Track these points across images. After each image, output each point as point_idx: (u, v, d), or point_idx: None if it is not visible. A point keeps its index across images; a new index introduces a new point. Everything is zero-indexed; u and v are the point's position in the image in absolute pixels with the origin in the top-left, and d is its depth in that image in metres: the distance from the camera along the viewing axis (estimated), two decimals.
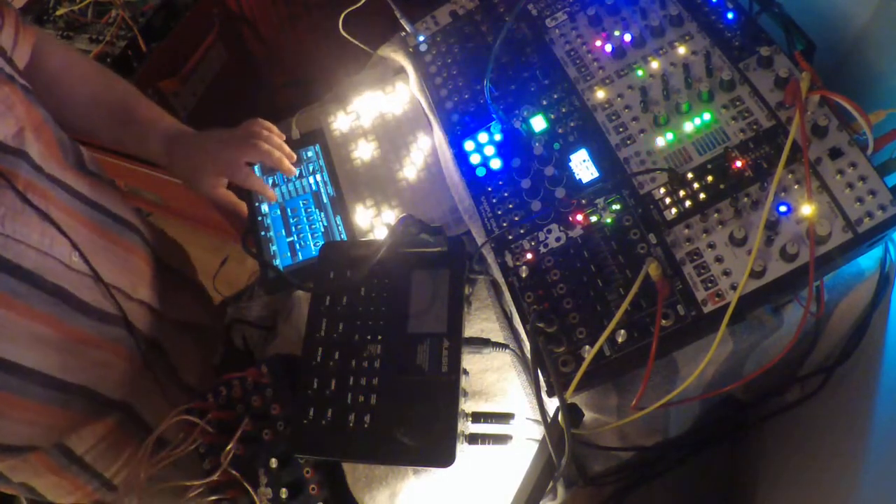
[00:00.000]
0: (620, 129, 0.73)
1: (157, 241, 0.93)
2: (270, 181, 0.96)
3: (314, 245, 0.89)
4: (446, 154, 0.84)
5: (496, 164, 0.78)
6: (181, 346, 0.92)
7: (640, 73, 0.75)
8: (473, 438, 0.71)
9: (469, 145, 0.81)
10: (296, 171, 0.94)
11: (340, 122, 0.99)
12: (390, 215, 0.90)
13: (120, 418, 0.83)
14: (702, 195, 0.66)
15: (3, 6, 0.79)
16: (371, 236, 0.89)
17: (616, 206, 0.69)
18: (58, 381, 0.75)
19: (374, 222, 0.90)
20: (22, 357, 0.70)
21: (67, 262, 0.74)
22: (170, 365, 0.90)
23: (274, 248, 0.91)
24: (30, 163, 0.72)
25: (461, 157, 0.81)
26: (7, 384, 0.70)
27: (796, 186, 0.63)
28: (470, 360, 0.76)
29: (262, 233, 0.92)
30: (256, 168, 0.98)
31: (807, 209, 0.60)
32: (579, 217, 0.70)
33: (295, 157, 0.95)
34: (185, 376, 0.93)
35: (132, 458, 0.78)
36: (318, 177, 0.95)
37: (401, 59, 0.97)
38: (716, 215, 0.65)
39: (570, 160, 0.74)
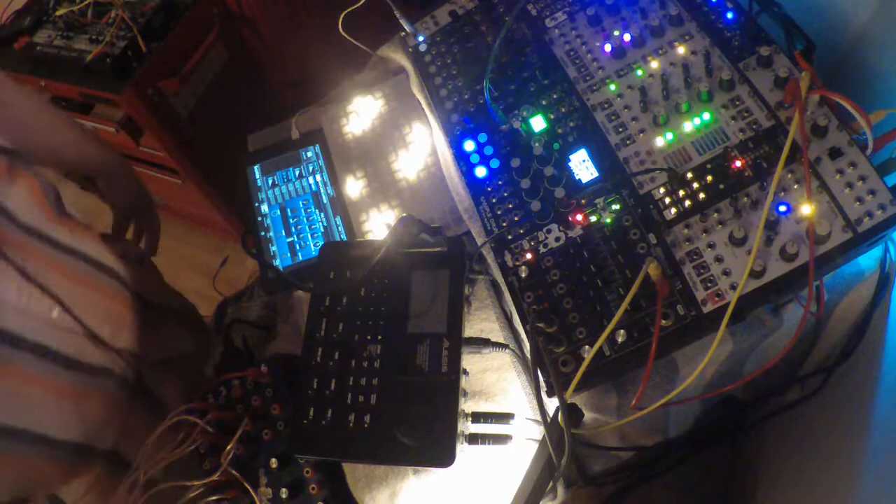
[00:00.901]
0: (620, 129, 0.73)
1: (136, 279, 0.91)
2: (270, 181, 0.96)
3: (314, 245, 0.89)
4: (446, 154, 0.84)
5: (496, 164, 0.78)
6: (167, 381, 0.91)
7: (639, 72, 0.75)
8: (473, 438, 0.71)
9: (469, 145, 0.81)
10: None
11: (338, 116, 0.99)
12: (390, 215, 0.90)
13: (109, 465, 0.82)
14: (701, 195, 0.66)
15: None
16: (370, 235, 0.89)
17: (616, 206, 0.69)
18: (46, 439, 0.73)
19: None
20: (8, 418, 0.69)
21: (48, 318, 0.72)
22: (156, 402, 0.89)
23: (274, 248, 0.91)
24: (6, 215, 0.70)
25: (461, 157, 0.81)
26: None
27: (796, 186, 0.63)
28: (470, 360, 0.76)
29: (262, 233, 0.92)
30: (256, 168, 0.98)
31: (806, 209, 0.60)
32: (579, 217, 0.70)
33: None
34: (173, 408, 0.92)
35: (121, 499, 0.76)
36: (318, 177, 0.95)
37: (400, 59, 0.97)
38: (715, 215, 0.65)
39: (569, 160, 0.74)
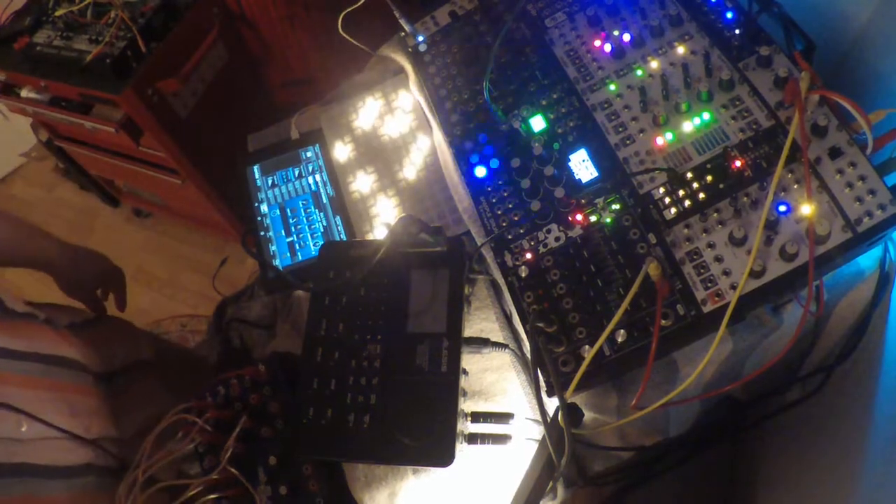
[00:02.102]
0: (620, 129, 0.73)
1: (92, 353, 0.89)
2: (270, 181, 0.96)
3: (314, 245, 0.89)
4: (446, 154, 0.84)
5: (496, 164, 0.78)
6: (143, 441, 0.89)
7: (639, 72, 0.75)
8: (473, 438, 0.71)
9: (469, 145, 0.81)
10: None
11: (338, 116, 0.99)
12: (390, 215, 0.90)
13: None
14: (701, 195, 0.66)
15: None
16: (370, 235, 0.89)
17: (615, 206, 0.69)
18: None
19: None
20: None
21: (17, 435, 0.70)
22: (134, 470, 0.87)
23: (274, 248, 0.91)
24: None
25: (461, 157, 0.81)
26: None
27: (796, 186, 0.63)
28: (469, 360, 0.76)
29: (262, 233, 0.92)
30: (256, 168, 0.98)
31: (806, 209, 0.60)
32: (579, 217, 0.70)
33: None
34: (163, 471, 0.90)
35: None
36: (318, 177, 0.95)
37: (400, 59, 0.97)
38: (715, 215, 0.65)
39: (569, 160, 0.74)
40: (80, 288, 0.97)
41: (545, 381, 0.64)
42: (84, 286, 0.97)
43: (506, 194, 0.76)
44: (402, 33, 0.94)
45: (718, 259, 0.63)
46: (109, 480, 0.81)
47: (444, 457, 0.65)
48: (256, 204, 0.95)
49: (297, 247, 0.90)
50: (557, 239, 0.71)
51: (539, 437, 0.68)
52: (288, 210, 0.93)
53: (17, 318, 0.82)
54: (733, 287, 0.61)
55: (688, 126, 0.70)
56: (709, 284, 0.63)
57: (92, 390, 0.86)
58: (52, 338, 0.85)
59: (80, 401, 0.83)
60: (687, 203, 0.66)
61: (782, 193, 0.63)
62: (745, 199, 0.64)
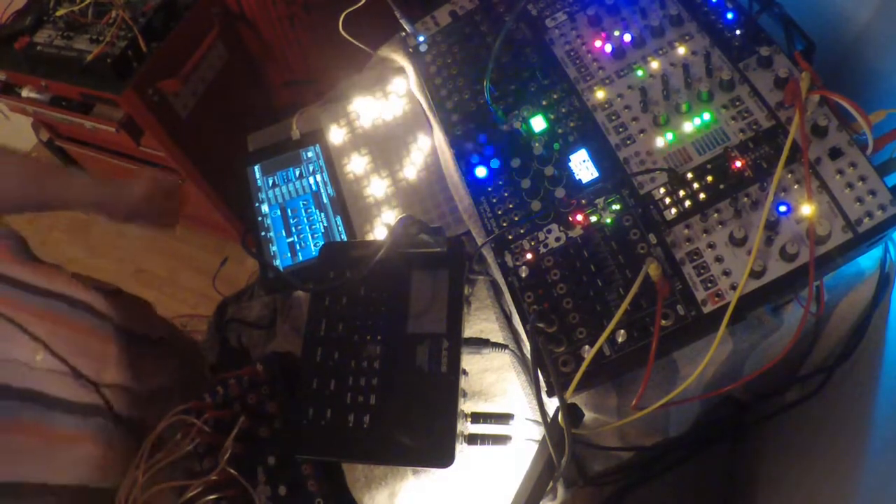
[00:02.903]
0: (620, 129, 0.73)
1: (116, 310, 0.90)
2: (270, 181, 0.96)
3: (314, 245, 0.89)
4: (446, 154, 0.84)
5: (496, 164, 0.78)
6: (158, 413, 0.89)
7: (639, 73, 0.75)
8: (473, 439, 0.71)
9: (469, 145, 0.81)
10: None
11: (338, 116, 0.99)
12: (390, 215, 0.90)
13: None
14: (702, 195, 0.66)
15: None
16: (370, 235, 0.89)
17: (616, 206, 0.69)
18: (47, 488, 0.72)
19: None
20: (5, 473, 0.68)
21: (32, 362, 0.71)
22: (147, 433, 0.88)
23: (274, 248, 0.91)
24: None
25: (461, 157, 0.81)
26: None
27: (796, 186, 0.63)
28: (469, 361, 0.76)
29: (262, 233, 0.92)
30: (256, 168, 0.98)
31: (807, 209, 0.60)
32: (579, 217, 0.70)
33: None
34: (170, 440, 0.90)
35: None
36: (318, 177, 0.95)
37: (401, 59, 0.97)
38: (715, 215, 0.65)
39: (569, 160, 0.74)
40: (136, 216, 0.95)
41: (545, 382, 0.64)
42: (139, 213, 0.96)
43: (506, 194, 0.76)
44: (403, 33, 0.94)
45: (719, 259, 0.63)
46: (120, 430, 0.81)
47: (444, 457, 0.65)
48: (257, 204, 0.95)
49: (298, 247, 0.90)
50: (558, 239, 0.71)
51: (539, 437, 0.68)
52: (288, 210, 0.93)
53: (42, 263, 0.84)
54: (733, 287, 0.61)
55: (688, 126, 0.70)
56: (709, 285, 0.62)
57: (111, 339, 0.87)
58: (76, 286, 0.86)
59: (99, 347, 0.84)
60: (687, 203, 0.66)
61: (782, 194, 0.63)
62: (745, 199, 0.64)
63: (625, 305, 0.62)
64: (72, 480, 0.75)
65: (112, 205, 0.92)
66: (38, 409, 0.71)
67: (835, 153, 0.62)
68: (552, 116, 0.78)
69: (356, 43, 1.02)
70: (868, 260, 0.69)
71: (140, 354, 0.91)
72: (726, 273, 0.62)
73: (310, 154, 0.98)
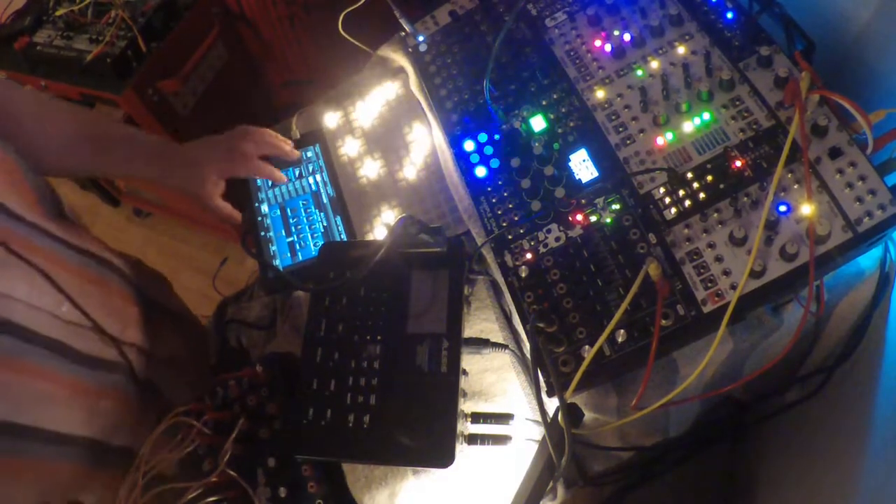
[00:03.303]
0: (620, 129, 0.73)
1: (138, 277, 0.91)
2: (270, 182, 0.96)
3: (314, 245, 0.89)
4: (446, 154, 0.84)
5: (496, 164, 0.78)
6: (173, 381, 0.90)
7: (639, 72, 0.75)
8: (473, 439, 0.71)
9: (469, 145, 0.81)
10: (299, 154, 0.96)
11: (338, 116, 0.99)
12: (390, 215, 0.90)
13: (124, 463, 0.81)
14: (701, 195, 0.66)
15: None
16: (370, 235, 0.89)
17: (616, 206, 0.69)
18: (63, 437, 0.73)
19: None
20: (26, 417, 0.68)
21: (58, 312, 0.72)
22: (165, 403, 0.88)
23: (274, 248, 0.91)
24: (7, 213, 0.69)
25: (461, 157, 0.81)
26: (14, 448, 0.68)
27: (796, 186, 0.63)
28: (469, 361, 0.76)
29: (262, 233, 0.92)
30: None
31: (806, 209, 0.60)
32: (579, 217, 0.70)
33: (292, 144, 0.96)
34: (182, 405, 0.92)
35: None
36: (318, 177, 0.95)
37: (400, 59, 0.97)
38: (715, 215, 0.65)
39: (569, 160, 0.74)
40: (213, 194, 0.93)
41: (545, 381, 0.64)
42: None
43: (506, 194, 0.76)
44: (403, 33, 0.94)
45: (718, 259, 0.63)
46: (136, 390, 0.82)
47: (444, 457, 0.65)
48: (256, 204, 0.95)
49: (298, 247, 0.90)
50: (558, 239, 0.71)
51: (539, 437, 0.68)
52: (288, 210, 0.93)
53: (76, 224, 0.84)
54: (733, 287, 0.61)
55: (688, 126, 0.70)
56: (709, 284, 0.62)
57: (134, 301, 0.88)
58: (104, 247, 0.87)
59: (123, 306, 0.85)
60: (687, 203, 0.66)
61: (782, 193, 0.63)
62: (745, 199, 0.64)
63: (625, 305, 0.62)
64: (86, 433, 0.76)
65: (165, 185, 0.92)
66: (61, 360, 0.72)
67: (835, 153, 0.62)
68: (552, 116, 0.78)
69: (356, 43, 1.02)
70: (868, 260, 0.69)
71: (159, 321, 0.92)
72: (726, 273, 0.62)
73: (309, 154, 0.98)
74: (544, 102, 0.79)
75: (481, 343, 0.75)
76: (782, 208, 0.62)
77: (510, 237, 0.73)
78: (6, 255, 0.67)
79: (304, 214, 0.92)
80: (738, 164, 0.66)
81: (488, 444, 0.70)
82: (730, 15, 0.73)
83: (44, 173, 0.82)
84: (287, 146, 0.95)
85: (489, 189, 0.77)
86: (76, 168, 0.92)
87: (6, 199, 0.70)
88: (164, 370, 0.89)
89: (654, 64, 0.74)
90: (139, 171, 0.91)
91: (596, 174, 0.72)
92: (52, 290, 0.72)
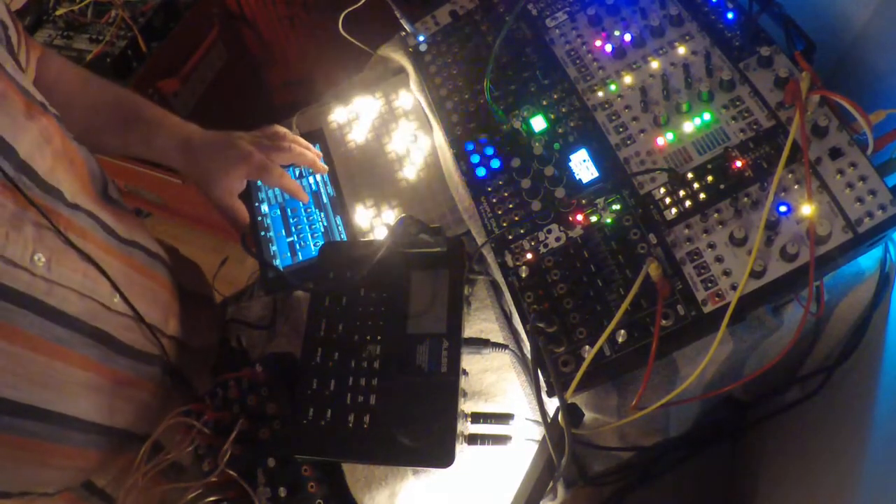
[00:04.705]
0: (620, 129, 0.73)
1: (177, 266, 0.91)
2: None
3: (314, 245, 0.89)
4: (446, 154, 0.84)
5: (496, 164, 0.78)
6: (201, 370, 0.91)
7: (640, 73, 0.75)
8: (473, 439, 0.71)
9: (469, 145, 0.81)
10: (326, 169, 0.94)
11: (338, 116, 0.99)
12: (390, 215, 0.90)
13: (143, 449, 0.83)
14: (702, 195, 0.66)
15: (16, 22, 0.76)
16: (371, 235, 0.89)
17: (616, 206, 0.69)
18: (98, 426, 0.73)
19: (372, 210, 0.90)
20: (65, 406, 0.69)
21: (109, 303, 0.72)
22: (192, 389, 0.89)
23: (274, 248, 0.91)
24: (64, 200, 0.69)
25: (461, 157, 0.81)
26: (51, 434, 0.68)
27: (796, 186, 0.63)
28: (469, 361, 0.76)
29: (262, 233, 0.92)
30: None
31: (807, 209, 0.60)
32: (579, 217, 0.70)
33: (321, 155, 0.95)
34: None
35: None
36: (318, 177, 0.95)
37: (401, 59, 0.97)
38: (716, 215, 0.65)
39: (570, 160, 0.74)
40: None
41: (545, 382, 0.64)
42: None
43: (506, 194, 0.76)
44: (403, 33, 0.93)
45: (719, 259, 0.63)
46: (168, 379, 0.83)
47: (444, 457, 0.65)
48: (257, 204, 0.95)
49: (298, 247, 0.90)
50: (558, 239, 0.71)
51: (539, 437, 0.68)
52: (288, 210, 0.93)
53: (123, 208, 0.83)
54: (734, 287, 0.61)
55: (688, 126, 0.70)
56: (709, 285, 0.62)
57: (174, 291, 0.88)
58: (148, 235, 0.87)
59: (165, 297, 0.85)
60: (687, 203, 0.66)
61: (783, 194, 0.63)
62: (745, 199, 0.64)
63: (625, 305, 0.62)
64: (119, 424, 0.76)
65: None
66: (106, 351, 0.72)
67: (835, 153, 0.62)
68: (552, 116, 0.78)
69: (356, 43, 1.02)
70: (868, 260, 0.69)
71: (195, 312, 0.92)
72: (726, 273, 0.62)
73: None
74: (544, 102, 0.79)
75: (481, 343, 0.75)
76: (783, 209, 0.62)
77: (510, 237, 0.73)
78: (66, 246, 0.67)
79: (304, 214, 0.92)
80: (739, 164, 0.66)
81: (488, 444, 0.70)
82: (730, 15, 0.73)
83: None
84: (318, 160, 0.92)
85: (489, 189, 0.77)
86: (96, 140, 0.88)
87: (64, 186, 0.69)
88: (196, 360, 0.90)
89: (655, 64, 0.74)
90: (158, 153, 0.88)
91: (596, 174, 0.72)
92: (104, 282, 0.72)
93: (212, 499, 0.72)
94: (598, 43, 0.79)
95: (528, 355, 0.68)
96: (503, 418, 0.72)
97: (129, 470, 0.75)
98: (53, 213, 0.66)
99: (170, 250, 0.93)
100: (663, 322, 0.62)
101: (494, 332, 0.79)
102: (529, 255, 0.71)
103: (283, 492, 0.72)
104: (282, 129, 0.92)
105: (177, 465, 0.76)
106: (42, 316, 0.64)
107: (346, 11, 0.97)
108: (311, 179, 0.95)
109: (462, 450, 0.68)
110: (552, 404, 0.65)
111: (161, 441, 0.74)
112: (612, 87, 0.75)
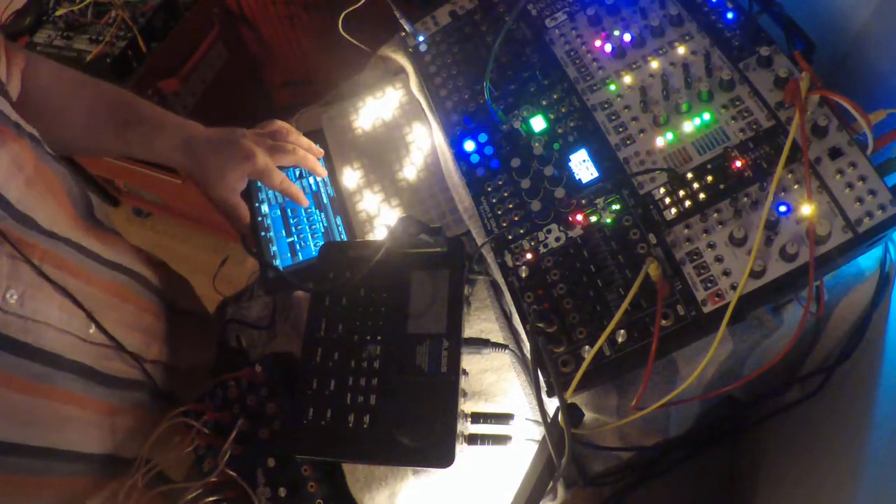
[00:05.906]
0: (620, 129, 0.73)
1: (163, 283, 0.90)
2: None
3: (314, 245, 0.89)
4: (446, 154, 0.84)
5: (496, 164, 0.78)
6: (192, 387, 0.89)
7: (640, 72, 0.75)
8: (473, 439, 0.71)
9: (469, 145, 0.81)
10: (325, 173, 0.93)
11: (338, 116, 0.99)
12: (390, 215, 0.90)
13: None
14: (701, 195, 0.66)
15: None
16: (370, 235, 0.89)
17: (616, 206, 0.69)
18: (86, 456, 0.73)
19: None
20: (50, 440, 0.68)
21: (85, 335, 0.71)
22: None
23: (274, 248, 0.91)
24: (39, 228, 0.67)
25: (461, 157, 0.81)
26: (38, 469, 0.68)
27: (796, 186, 0.63)
28: (469, 361, 0.76)
29: (262, 233, 0.92)
30: None
31: (807, 209, 0.60)
32: (579, 217, 0.70)
33: (323, 153, 0.94)
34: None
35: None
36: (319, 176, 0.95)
37: (401, 59, 0.97)
38: (716, 215, 0.65)
39: (569, 160, 0.74)
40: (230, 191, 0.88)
41: (545, 382, 0.64)
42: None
43: (506, 194, 0.76)
44: (403, 33, 0.93)
45: (719, 259, 0.63)
46: (156, 403, 0.82)
47: (444, 458, 0.65)
48: (257, 204, 0.95)
49: (298, 247, 0.90)
50: (558, 239, 0.71)
51: (539, 437, 0.68)
52: (288, 210, 0.93)
53: (106, 229, 0.82)
54: (733, 287, 0.61)
55: (688, 126, 0.70)
56: (709, 285, 0.62)
57: (160, 314, 0.86)
58: (133, 254, 0.85)
59: (150, 322, 0.84)
60: (687, 203, 0.66)
61: (782, 194, 0.63)
62: (745, 199, 0.64)
63: (625, 305, 0.62)
64: (102, 450, 0.75)
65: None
66: (87, 383, 0.72)
67: (835, 153, 0.62)
68: (552, 116, 0.78)
69: (356, 43, 1.02)
70: (868, 260, 0.69)
71: (183, 330, 0.91)
72: (726, 273, 0.62)
73: None
74: (544, 102, 0.79)
75: (481, 343, 0.75)
76: (782, 208, 0.62)
77: (510, 237, 0.73)
78: (41, 280, 0.66)
79: (304, 215, 0.92)
80: (739, 164, 0.66)
81: (488, 444, 0.71)
82: (730, 15, 0.73)
83: (66, 153, 0.79)
84: (318, 164, 0.91)
85: (489, 189, 0.77)
86: (96, 145, 0.88)
87: (38, 213, 0.67)
88: (185, 379, 0.88)
89: (655, 64, 0.74)
90: (159, 153, 0.86)
91: (596, 174, 0.72)
92: (80, 313, 0.70)
93: (212, 499, 0.72)
94: (598, 43, 0.79)
95: (528, 355, 0.68)
96: (503, 418, 0.72)
97: (120, 489, 0.75)
98: (27, 244, 0.64)
99: (159, 266, 0.92)
100: (663, 322, 0.62)
101: (494, 332, 0.79)
102: (529, 255, 0.71)
103: (283, 492, 0.72)
104: (284, 126, 0.91)
105: (163, 477, 0.76)
106: (17, 355, 0.63)
107: (346, 11, 0.97)
108: (311, 180, 0.95)
109: (462, 450, 0.69)
110: (552, 404, 0.65)
111: (151, 456, 0.74)
112: (612, 87, 0.75)
